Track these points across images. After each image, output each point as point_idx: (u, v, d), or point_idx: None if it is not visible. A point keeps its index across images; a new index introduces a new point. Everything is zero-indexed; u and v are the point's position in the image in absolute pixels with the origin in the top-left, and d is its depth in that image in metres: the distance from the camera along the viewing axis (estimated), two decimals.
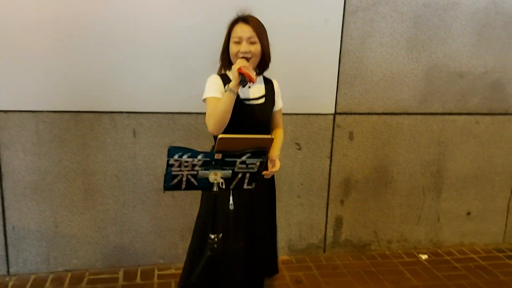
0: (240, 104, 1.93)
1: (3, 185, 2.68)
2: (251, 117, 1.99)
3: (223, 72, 2.09)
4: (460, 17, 3.09)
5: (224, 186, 1.65)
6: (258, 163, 1.65)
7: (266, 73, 2.18)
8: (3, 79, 2.56)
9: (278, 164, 2.01)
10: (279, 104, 2.18)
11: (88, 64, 2.64)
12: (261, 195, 2.08)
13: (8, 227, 2.74)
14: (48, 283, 2.73)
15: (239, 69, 1.83)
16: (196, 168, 1.60)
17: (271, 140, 1.63)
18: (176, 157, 1.55)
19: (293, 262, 3.13)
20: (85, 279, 2.78)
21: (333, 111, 3.06)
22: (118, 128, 2.77)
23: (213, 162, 1.61)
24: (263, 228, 2.17)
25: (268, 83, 2.14)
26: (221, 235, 1.70)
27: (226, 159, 1.61)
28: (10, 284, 2.71)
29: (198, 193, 2.19)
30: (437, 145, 3.27)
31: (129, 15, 2.63)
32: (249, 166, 1.66)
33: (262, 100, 2.06)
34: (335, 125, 3.09)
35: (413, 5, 3.00)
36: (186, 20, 2.70)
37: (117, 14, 2.62)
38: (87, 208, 2.83)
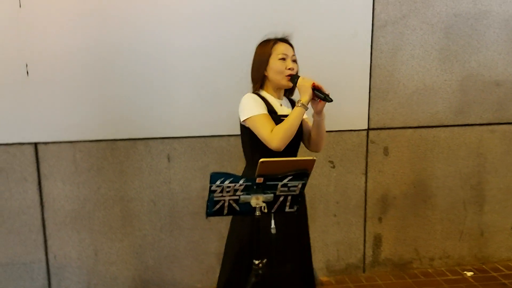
0: (279, 121, 1.94)
1: (45, 215, 2.74)
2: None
3: (258, 91, 2.07)
4: (493, 25, 3.02)
5: (266, 210, 1.63)
6: (300, 185, 1.63)
7: None
8: (42, 112, 2.64)
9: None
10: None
11: (120, 92, 2.70)
12: (294, 215, 2.04)
13: (50, 256, 2.78)
14: None
15: (313, 84, 1.90)
16: (238, 193, 1.59)
17: (313, 161, 1.61)
18: (218, 182, 1.54)
19: (333, 283, 3.05)
20: None
21: (366, 127, 3.02)
22: (153, 154, 2.80)
23: (255, 187, 1.59)
24: (302, 248, 2.12)
25: (293, 102, 2.14)
26: (265, 260, 1.67)
27: (268, 183, 1.59)
28: None
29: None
30: (476, 156, 3.17)
31: (158, 38, 2.68)
32: (291, 189, 1.63)
33: None
34: (369, 141, 3.04)
35: (443, 15, 2.96)
36: (214, 41, 2.73)
37: (146, 38, 2.68)
38: (126, 235, 2.85)
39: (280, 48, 2.00)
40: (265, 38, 2.07)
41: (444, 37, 2.99)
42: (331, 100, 1.90)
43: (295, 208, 1.70)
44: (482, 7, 2.99)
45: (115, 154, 2.76)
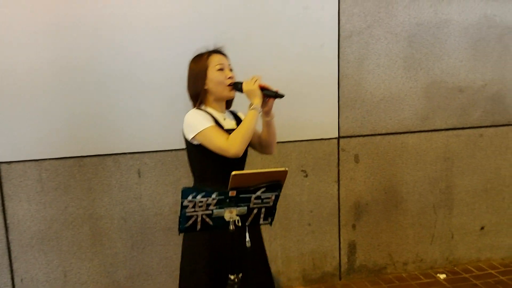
0: (227, 134, 1.90)
1: (9, 237, 2.63)
2: None
3: (200, 107, 2.01)
4: (454, 33, 3.13)
5: (240, 224, 1.61)
6: (273, 197, 1.62)
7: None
8: (4, 130, 2.54)
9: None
10: None
11: (87, 108, 2.63)
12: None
13: (17, 280, 2.66)
14: None
15: (260, 85, 1.89)
16: (211, 207, 1.57)
17: (285, 172, 1.60)
18: (190, 197, 1.51)
19: None
20: None
21: (336, 135, 3.05)
22: (122, 170, 2.74)
23: (228, 200, 1.57)
24: (259, 258, 2.10)
25: (234, 113, 2.12)
26: (240, 274, 1.65)
27: (241, 196, 1.58)
28: None
29: None
30: (443, 161, 3.25)
31: (127, 51, 2.64)
32: (264, 200, 1.62)
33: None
34: (340, 149, 3.07)
35: (406, 25, 3.04)
36: (183, 53, 2.68)
37: (115, 52, 2.62)
38: (96, 254, 2.76)
39: (216, 58, 1.98)
40: (197, 53, 2.04)
41: (408, 46, 3.07)
42: (282, 96, 1.90)
43: (269, 220, 1.68)
44: (442, 16, 3.09)
45: (82, 171, 2.68)
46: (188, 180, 2.77)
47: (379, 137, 3.12)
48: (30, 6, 2.48)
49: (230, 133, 1.89)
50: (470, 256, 3.40)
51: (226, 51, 2.06)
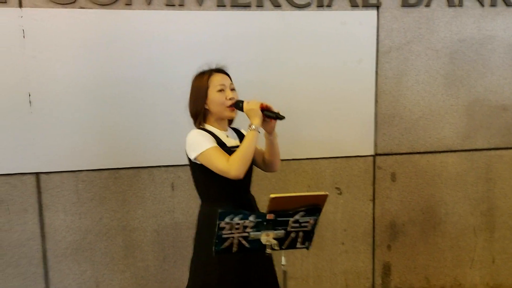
0: (230, 152, 1.88)
1: (46, 246, 2.67)
2: None
3: (202, 126, 2.00)
4: (498, 50, 3.01)
5: (277, 248, 1.57)
6: (312, 221, 1.58)
7: None
8: (44, 141, 2.59)
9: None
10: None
11: (123, 121, 2.66)
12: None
13: None
14: None
15: (261, 105, 1.87)
16: (248, 229, 1.53)
17: (326, 196, 1.56)
18: (227, 220, 1.49)
19: None
20: None
21: (373, 153, 2.97)
22: (156, 183, 2.75)
23: (265, 223, 1.54)
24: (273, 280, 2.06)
25: (237, 131, 2.11)
26: None
27: (279, 219, 1.54)
28: None
29: None
30: (485, 182, 3.12)
31: (162, 65, 2.65)
32: (303, 224, 1.58)
33: None
34: (376, 167, 2.99)
35: (447, 41, 2.95)
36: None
37: (151, 66, 2.64)
38: (128, 266, 2.77)
39: (217, 79, 1.96)
40: (200, 71, 2.03)
41: (449, 62, 2.97)
42: (283, 117, 1.87)
43: (307, 244, 1.64)
44: (486, 32, 2.98)
45: (117, 183, 2.71)
46: None
47: (417, 155, 3.02)
48: (70, 23, 2.54)
49: (233, 150, 1.88)
50: None
51: (228, 70, 2.04)
